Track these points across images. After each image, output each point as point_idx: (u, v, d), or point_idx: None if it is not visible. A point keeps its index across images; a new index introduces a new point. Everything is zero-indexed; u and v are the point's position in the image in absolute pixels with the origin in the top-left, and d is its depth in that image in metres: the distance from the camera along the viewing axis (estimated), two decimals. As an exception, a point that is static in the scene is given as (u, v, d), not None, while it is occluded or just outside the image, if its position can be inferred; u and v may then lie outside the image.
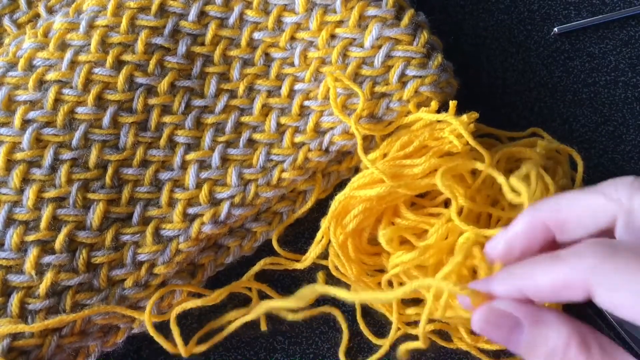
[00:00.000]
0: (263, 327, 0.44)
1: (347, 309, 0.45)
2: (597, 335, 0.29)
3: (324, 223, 0.43)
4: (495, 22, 0.52)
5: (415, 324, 0.44)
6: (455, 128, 0.41)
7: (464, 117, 0.42)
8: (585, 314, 0.44)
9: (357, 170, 0.46)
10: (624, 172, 0.49)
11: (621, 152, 0.50)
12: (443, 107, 0.43)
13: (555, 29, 0.52)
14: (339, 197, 0.42)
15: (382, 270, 0.44)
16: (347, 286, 0.44)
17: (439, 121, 0.42)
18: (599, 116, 0.50)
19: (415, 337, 0.44)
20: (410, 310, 0.44)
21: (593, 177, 0.48)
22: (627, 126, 0.50)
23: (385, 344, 0.43)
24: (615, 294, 0.27)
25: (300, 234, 0.46)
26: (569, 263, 0.29)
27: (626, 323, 0.42)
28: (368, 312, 0.45)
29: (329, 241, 0.44)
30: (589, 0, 0.53)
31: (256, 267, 0.44)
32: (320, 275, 0.45)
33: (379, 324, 0.45)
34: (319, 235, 0.44)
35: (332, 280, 0.45)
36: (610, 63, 0.52)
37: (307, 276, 0.46)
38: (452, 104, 0.43)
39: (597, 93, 0.51)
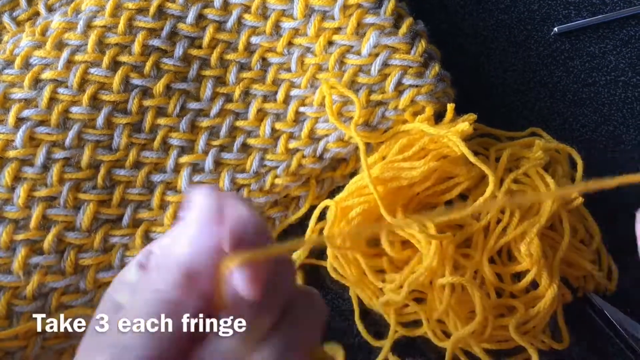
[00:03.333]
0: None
1: (346, 310, 0.45)
2: None
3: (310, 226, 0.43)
4: (495, 22, 0.52)
5: (413, 324, 0.43)
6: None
7: (462, 124, 0.41)
8: (585, 313, 0.44)
9: (352, 176, 0.45)
10: (623, 172, 0.48)
11: (621, 152, 0.49)
12: (443, 108, 0.43)
13: (555, 29, 0.51)
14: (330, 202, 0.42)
15: (382, 271, 0.44)
16: (345, 288, 0.44)
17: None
18: (599, 116, 0.50)
19: (412, 339, 0.43)
20: (409, 309, 0.43)
21: (593, 177, 0.47)
22: (627, 126, 0.50)
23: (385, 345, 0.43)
24: None
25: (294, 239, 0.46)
26: None
27: (625, 322, 0.41)
28: (367, 312, 0.44)
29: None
30: (589, 0, 0.53)
31: None
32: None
33: (377, 325, 0.44)
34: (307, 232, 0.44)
35: (330, 281, 0.44)
36: (610, 63, 0.51)
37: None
38: (450, 107, 0.43)
39: (597, 93, 0.50)
